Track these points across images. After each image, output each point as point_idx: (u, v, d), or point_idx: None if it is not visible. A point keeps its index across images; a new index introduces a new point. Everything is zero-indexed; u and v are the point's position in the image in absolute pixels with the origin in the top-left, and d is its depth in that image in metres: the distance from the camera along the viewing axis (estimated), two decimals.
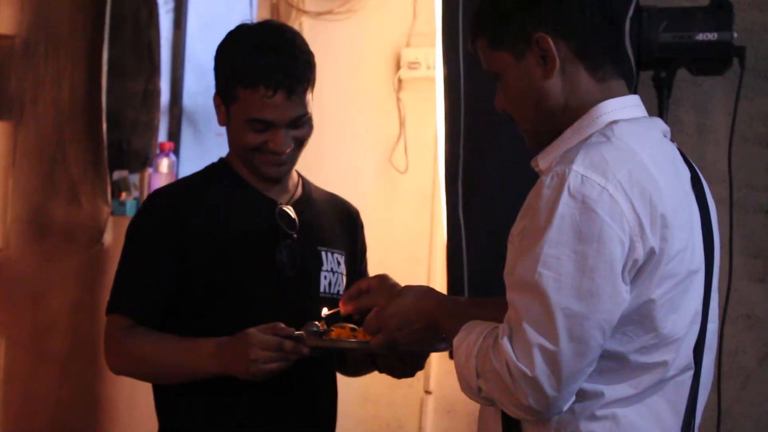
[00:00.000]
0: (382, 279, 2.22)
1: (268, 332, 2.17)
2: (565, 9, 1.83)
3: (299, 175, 2.48)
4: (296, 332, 2.18)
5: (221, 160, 2.45)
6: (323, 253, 2.41)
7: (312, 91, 2.32)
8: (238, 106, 2.30)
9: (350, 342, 2.16)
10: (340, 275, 2.43)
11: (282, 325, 2.18)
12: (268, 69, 2.25)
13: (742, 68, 2.94)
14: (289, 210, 2.38)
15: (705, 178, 1.97)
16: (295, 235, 2.36)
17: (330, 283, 2.40)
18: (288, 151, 2.31)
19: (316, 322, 2.21)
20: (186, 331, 2.29)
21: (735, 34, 2.91)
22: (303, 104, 2.30)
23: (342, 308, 2.23)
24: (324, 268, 2.40)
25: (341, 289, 2.41)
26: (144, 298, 2.31)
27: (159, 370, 2.31)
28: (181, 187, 2.47)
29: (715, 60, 2.95)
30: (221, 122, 2.37)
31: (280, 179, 2.39)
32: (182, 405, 2.33)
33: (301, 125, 2.32)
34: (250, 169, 2.37)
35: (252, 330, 2.18)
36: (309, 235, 2.39)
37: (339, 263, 2.43)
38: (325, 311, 2.27)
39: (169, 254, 2.30)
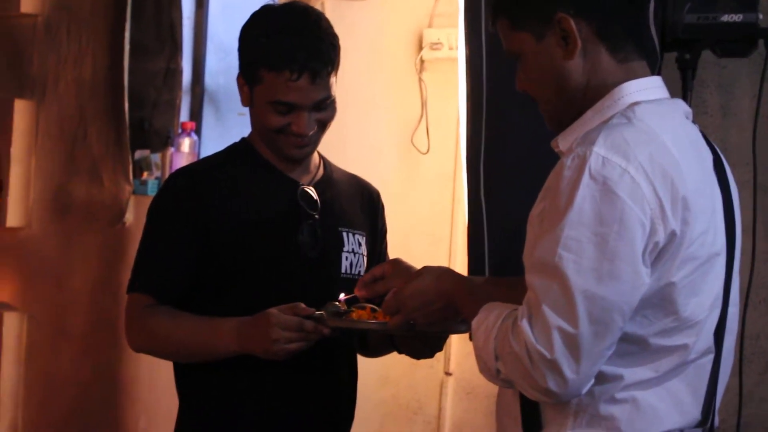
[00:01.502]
0: (396, 263, 2.22)
1: (288, 312, 2.17)
2: None
3: (321, 156, 2.48)
4: (317, 312, 2.18)
5: (243, 140, 2.45)
6: (344, 234, 2.41)
7: (336, 74, 2.32)
8: (262, 88, 2.29)
9: (370, 323, 2.16)
10: (361, 256, 2.42)
11: (303, 305, 2.19)
12: (293, 52, 2.25)
13: (767, 50, 2.91)
14: (311, 191, 2.38)
15: (729, 160, 1.95)
16: (316, 216, 2.36)
17: (351, 264, 2.40)
18: (311, 133, 2.31)
19: (337, 303, 2.21)
20: (207, 310, 2.29)
21: (761, 16, 2.87)
22: (327, 87, 2.29)
23: (358, 294, 2.23)
24: (345, 248, 2.40)
25: (362, 270, 2.41)
26: (165, 277, 2.32)
27: (179, 349, 2.31)
28: (202, 166, 2.47)
29: (741, 41, 2.92)
30: (245, 103, 2.37)
31: (302, 160, 2.39)
32: (202, 384, 2.34)
33: (324, 108, 2.31)
34: (272, 150, 2.37)
35: (273, 310, 2.18)
36: (330, 216, 2.39)
37: (360, 244, 2.43)
38: (342, 295, 2.27)
39: (190, 233, 2.30)
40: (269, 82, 2.28)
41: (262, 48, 2.28)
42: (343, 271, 2.38)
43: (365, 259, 2.44)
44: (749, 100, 3.16)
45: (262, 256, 2.31)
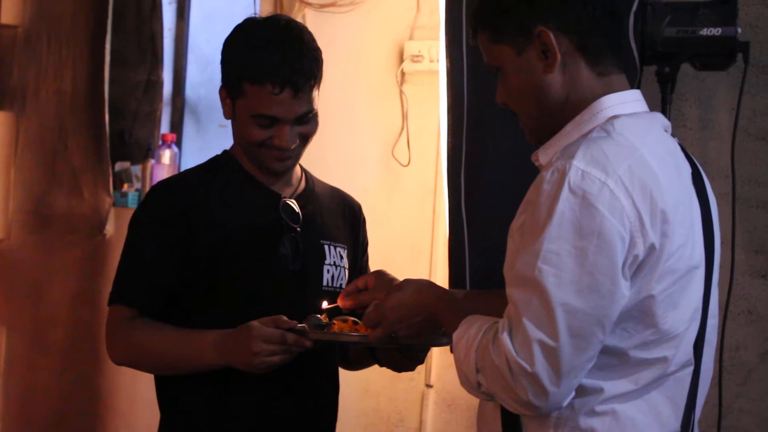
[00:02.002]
0: (379, 275, 2.23)
1: (270, 325, 2.17)
2: (567, 3, 1.83)
3: (302, 169, 2.48)
4: (299, 325, 2.18)
5: (225, 152, 2.45)
6: (326, 247, 2.41)
7: (318, 88, 2.33)
8: (245, 101, 2.30)
9: (352, 335, 2.16)
10: (342, 269, 2.43)
11: (284, 318, 2.19)
12: (276, 66, 2.25)
13: (746, 63, 2.93)
14: (293, 203, 2.38)
15: (708, 173, 1.96)
16: (298, 229, 2.36)
17: (333, 277, 2.40)
18: (293, 147, 2.31)
19: (318, 315, 2.21)
20: (188, 323, 2.29)
21: (739, 30, 2.89)
22: (309, 101, 2.30)
23: (341, 304, 2.23)
24: (327, 261, 2.40)
25: (344, 283, 2.41)
26: (146, 289, 2.31)
27: (161, 362, 2.31)
28: (185, 178, 2.46)
29: (719, 55, 2.94)
30: (227, 115, 2.37)
31: (284, 173, 2.39)
32: (184, 396, 2.34)
33: (306, 121, 2.32)
34: (254, 162, 2.37)
35: (255, 323, 2.18)
36: (312, 229, 2.39)
37: (342, 257, 2.43)
38: (325, 305, 2.27)
39: (171, 245, 2.30)
40: (251, 96, 2.28)
41: (245, 61, 2.29)
42: (324, 283, 2.38)
43: (347, 272, 2.44)
44: (728, 113, 3.18)
45: (244, 268, 2.31)
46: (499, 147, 3.07)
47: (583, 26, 1.83)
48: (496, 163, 3.11)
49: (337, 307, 2.26)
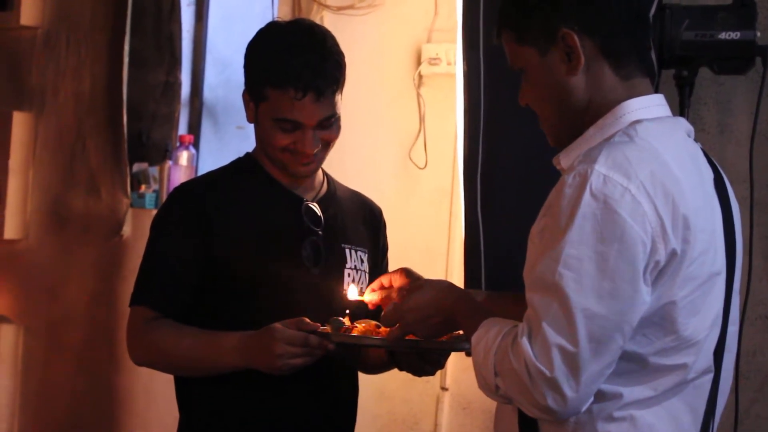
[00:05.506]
0: (406, 272, 2.22)
1: (293, 327, 2.17)
2: (592, 6, 1.82)
3: (324, 172, 2.48)
4: (321, 328, 2.18)
5: (247, 155, 2.45)
6: (347, 251, 2.41)
7: (341, 92, 2.33)
8: (268, 105, 2.30)
9: (375, 339, 2.15)
10: (363, 273, 2.43)
11: (307, 320, 2.19)
12: (299, 71, 2.26)
13: (764, 67, 2.92)
14: (315, 207, 2.38)
15: (726, 177, 1.95)
16: (320, 232, 2.36)
17: (354, 281, 2.40)
18: (315, 151, 2.32)
19: (341, 318, 2.21)
20: (210, 324, 2.29)
21: (758, 33, 2.89)
22: (332, 105, 2.30)
23: (367, 300, 2.23)
24: (348, 265, 2.40)
25: (364, 286, 2.41)
26: (168, 291, 2.32)
27: (182, 363, 2.31)
28: (207, 180, 2.46)
29: (738, 59, 2.93)
30: (250, 119, 2.38)
31: (307, 177, 2.39)
32: (204, 396, 2.34)
33: (329, 126, 2.32)
34: (277, 166, 2.37)
35: (277, 325, 2.18)
36: (333, 233, 2.39)
37: (362, 261, 2.43)
38: (353, 291, 2.26)
39: (194, 247, 2.31)
40: (274, 100, 2.28)
41: (268, 66, 2.29)
42: (345, 287, 2.38)
43: (368, 275, 2.44)
44: (746, 117, 3.17)
45: (265, 271, 2.31)
46: (516, 150, 3.07)
47: (608, 29, 1.82)
48: (512, 167, 3.11)
49: (360, 308, 2.26)
